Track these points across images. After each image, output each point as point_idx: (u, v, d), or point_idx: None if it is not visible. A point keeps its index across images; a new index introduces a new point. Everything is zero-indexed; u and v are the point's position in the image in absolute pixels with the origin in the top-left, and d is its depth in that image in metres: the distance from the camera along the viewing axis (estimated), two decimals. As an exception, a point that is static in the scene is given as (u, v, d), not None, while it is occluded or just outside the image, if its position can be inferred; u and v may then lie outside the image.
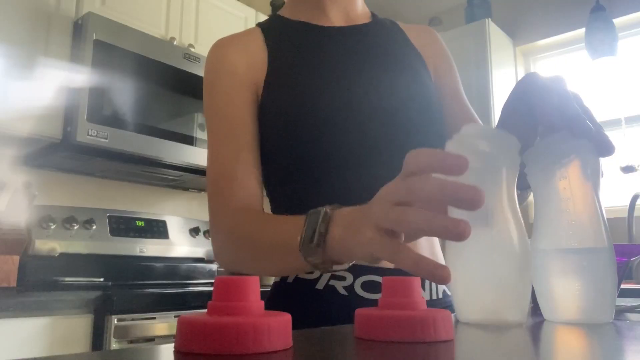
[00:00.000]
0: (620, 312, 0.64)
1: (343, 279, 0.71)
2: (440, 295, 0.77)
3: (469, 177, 0.44)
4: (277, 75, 0.78)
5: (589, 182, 0.53)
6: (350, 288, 0.71)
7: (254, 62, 0.79)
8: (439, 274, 0.40)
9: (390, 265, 0.71)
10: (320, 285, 0.71)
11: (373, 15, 0.91)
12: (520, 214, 0.53)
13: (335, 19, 0.85)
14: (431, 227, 0.40)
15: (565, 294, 0.52)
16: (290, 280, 0.74)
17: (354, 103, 0.75)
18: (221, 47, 0.82)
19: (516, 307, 0.51)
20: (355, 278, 0.71)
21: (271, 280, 0.80)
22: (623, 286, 0.71)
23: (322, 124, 0.73)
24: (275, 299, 0.76)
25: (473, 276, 0.52)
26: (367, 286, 0.71)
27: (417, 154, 0.44)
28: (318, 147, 0.73)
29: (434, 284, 0.76)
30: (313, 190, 0.74)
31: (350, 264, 0.55)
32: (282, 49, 0.81)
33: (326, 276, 0.71)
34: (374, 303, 0.45)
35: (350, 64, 0.79)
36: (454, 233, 0.39)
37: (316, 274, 0.72)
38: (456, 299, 0.54)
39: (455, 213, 0.45)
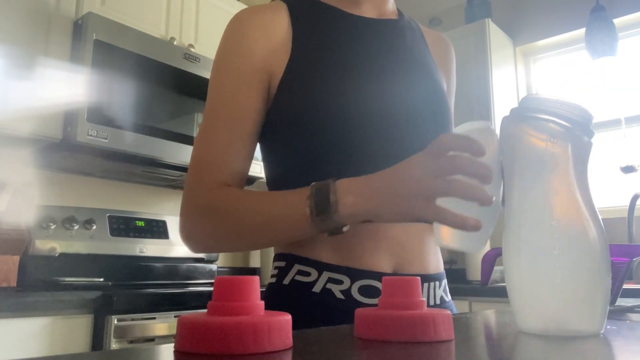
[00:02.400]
0: (621, 312, 0.64)
1: (340, 282, 0.70)
2: (438, 301, 0.76)
3: (528, 155, 0.46)
4: (302, 66, 0.74)
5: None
6: (347, 292, 0.69)
7: (275, 46, 0.74)
8: (470, 223, 0.51)
9: (388, 270, 0.71)
10: (317, 289, 0.70)
11: (399, 12, 0.88)
12: (594, 203, 0.45)
13: (367, 10, 0.82)
14: (470, 196, 0.52)
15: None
16: (286, 282, 0.72)
17: (382, 107, 0.73)
18: (242, 22, 0.76)
19: (587, 315, 0.43)
20: (352, 282, 0.69)
21: (268, 280, 0.79)
22: (623, 286, 0.71)
23: (349, 125, 0.71)
24: (270, 300, 0.74)
25: (533, 278, 0.44)
26: (364, 291, 0.69)
27: (451, 137, 0.55)
28: (341, 148, 0.71)
29: (432, 290, 0.75)
30: None
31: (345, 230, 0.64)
32: (309, 35, 0.76)
33: (323, 279, 0.70)
34: None
35: (380, 63, 0.77)
36: (481, 200, 0.51)
37: (313, 277, 0.70)
38: (514, 305, 0.46)
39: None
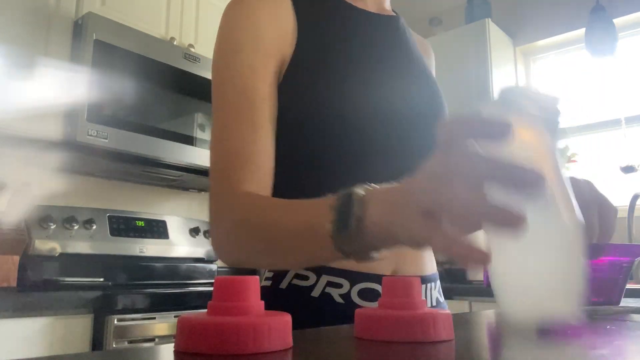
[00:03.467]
0: (625, 313, 0.64)
1: (339, 286, 0.68)
2: (434, 303, 0.75)
3: (516, 146, 0.39)
4: (307, 58, 0.70)
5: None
6: (346, 296, 0.68)
7: (283, 32, 0.70)
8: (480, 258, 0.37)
9: (387, 272, 0.70)
10: (316, 293, 0.68)
11: (394, 12, 0.87)
12: (567, 188, 0.44)
13: (369, 4, 0.80)
14: (485, 219, 0.37)
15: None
16: (283, 286, 0.70)
17: (387, 103, 0.72)
18: (246, 7, 0.71)
19: (570, 299, 0.42)
20: (352, 285, 0.68)
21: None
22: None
23: (354, 120, 0.69)
24: (266, 305, 0.71)
25: (516, 264, 0.42)
26: (364, 294, 0.68)
27: (451, 122, 0.40)
28: (347, 143, 0.68)
29: (429, 291, 0.75)
30: (330, 185, 0.61)
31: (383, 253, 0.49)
32: (313, 24, 0.73)
33: (322, 283, 0.68)
34: None
35: (385, 58, 0.76)
36: (509, 226, 0.36)
37: (311, 281, 0.68)
38: (498, 293, 0.44)
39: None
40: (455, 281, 2.55)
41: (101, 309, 1.56)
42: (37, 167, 2.09)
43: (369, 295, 0.68)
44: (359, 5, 0.79)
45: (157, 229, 2.31)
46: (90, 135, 1.84)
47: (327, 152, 0.69)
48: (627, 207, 2.24)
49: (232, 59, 0.69)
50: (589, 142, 2.77)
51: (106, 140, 1.87)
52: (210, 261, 2.49)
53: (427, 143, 0.76)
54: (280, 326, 0.34)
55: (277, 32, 0.70)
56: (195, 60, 2.19)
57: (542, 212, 0.41)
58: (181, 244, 2.36)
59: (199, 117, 2.18)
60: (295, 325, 0.41)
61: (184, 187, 2.53)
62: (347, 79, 0.70)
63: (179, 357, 0.32)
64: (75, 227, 2.03)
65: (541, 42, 3.04)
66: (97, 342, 1.54)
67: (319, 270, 0.69)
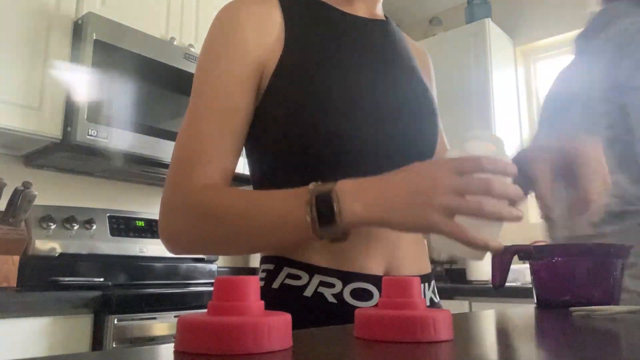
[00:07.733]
0: (623, 313, 0.64)
1: (332, 286, 0.68)
2: (428, 303, 0.76)
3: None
4: (296, 62, 0.71)
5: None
6: (339, 296, 0.67)
7: (268, 39, 0.72)
8: (492, 246, 0.56)
9: (379, 272, 0.70)
10: (308, 293, 0.68)
11: (385, 16, 0.87)
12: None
13: (359, 9, 0.81)
14: (501, 218, 0.55)
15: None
16: (275, 286, 0.70)
17: (375, 105, 0.72)
18: (234, 12, 0.73)
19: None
20: (344, 285, 0.68)
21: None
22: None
23: (342, 122, 0.69)
24: None
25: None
26: (356, 294, 0.68)
27: (490, 160, 0.56)
28: (334, 144, 0.69)
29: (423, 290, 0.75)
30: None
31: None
32: (302, 30, 0.74)
33: (314, 283, 0.68)
34: None
35: (374, 62, 0.76)
36: (511, 217, 0.55)
37: (304, 281, 0.69)
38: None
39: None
40: (455, 281, 2.56)
41: (101, 309, 1.57)
42: (37, 167, 2.10)
43: (362, 295, 0.68)
44: (349, 10, 0.80)
45: (157, 229, 2.30)
46: (90, 135, 1.84)
47: (311, 152, 0.69)
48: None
49: (213, 63, 0.71)
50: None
51: (106, 140, 1.87)
52: (210, 261, 2.49)
53: (417, 144, 0.76)
54: (280, 326, 0.34)
55: (262, 38, 0.72)
56: (195, 60, 2.19)
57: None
58: (181, 244, 2.36)
59: (199, 117, 2.18)
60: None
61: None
62: (334, 84, 0.70)
63: (179, 357, 0.32)
64: (75, 227, 2.03)
65: (541, 42, 3.05)
66: (97, 342, 1.54)
67: (312, 270, 0.69)
